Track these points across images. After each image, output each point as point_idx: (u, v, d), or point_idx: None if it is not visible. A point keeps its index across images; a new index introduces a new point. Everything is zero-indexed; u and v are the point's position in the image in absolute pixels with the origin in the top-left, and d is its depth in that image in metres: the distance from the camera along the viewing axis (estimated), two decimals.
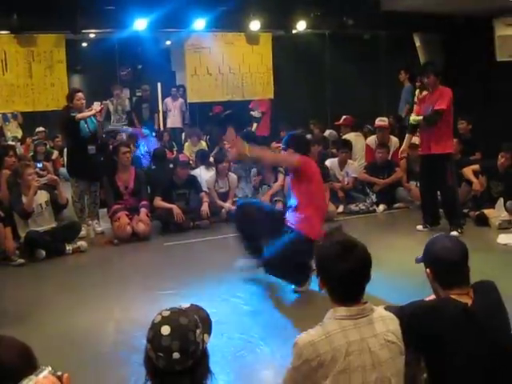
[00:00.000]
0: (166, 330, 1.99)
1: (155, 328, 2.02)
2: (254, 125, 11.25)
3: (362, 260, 2.43)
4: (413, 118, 7.53)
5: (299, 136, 6.20)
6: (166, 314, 2.06)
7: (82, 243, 7.40)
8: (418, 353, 2.73)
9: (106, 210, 8.24)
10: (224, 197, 8.75)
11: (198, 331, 2.03)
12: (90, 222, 8.17)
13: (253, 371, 4.19)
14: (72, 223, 7.73)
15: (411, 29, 11.40)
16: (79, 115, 7.78)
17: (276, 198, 8.56)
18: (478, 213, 7.88)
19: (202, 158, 9.50)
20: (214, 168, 8.94)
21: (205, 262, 6.99)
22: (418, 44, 11.63)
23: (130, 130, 10.93)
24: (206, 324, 2.12)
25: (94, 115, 7.89)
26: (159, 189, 8.36)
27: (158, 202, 8.21)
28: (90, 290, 5.90)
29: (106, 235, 8.08)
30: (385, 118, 10.16)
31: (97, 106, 7.95)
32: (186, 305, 2.15)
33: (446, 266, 2.76)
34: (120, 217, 7.75)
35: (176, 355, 1.97)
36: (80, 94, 7.95)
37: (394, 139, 9.98)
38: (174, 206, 8.11)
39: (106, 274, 6.57)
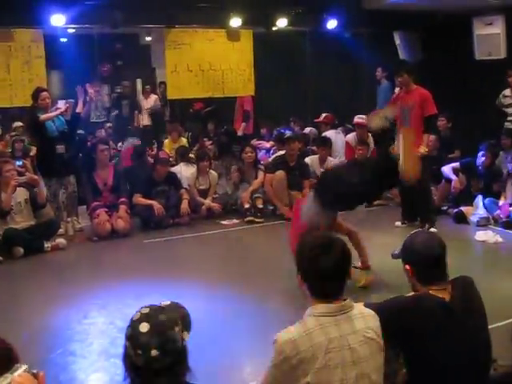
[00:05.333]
0: (144, 327, 1.99)
1: (134, 325, 2.01)
2: (243, 124, 11.26)
3: (341, 257, 2.45)
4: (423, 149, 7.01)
5: None
6: (145, 311, 2.05)
7: (60, 240, 7.32)
8: (397, 349, 2.74)
9: (85, 207, 8.18)
10: (204, 194, 8.72)
11: (177, 328, 2.02)
12: (69, 219, 8.07)
13: (233, 368, 4.18)
14: (50, 220, 7.65)
15: (391, 27, 11.43)
16: (43, 116, 7.55)
17: (256, 195, 8.59)
18: (456, 210, 7.94)
19: (182, 155, 9.45)
20: (194, 165, 8.90)
21: (184, 259, 6.98)
22: (397, 42, 11.67)
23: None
24: (186, 321, 2.11)
25: (62, 114, 7.69)
26: (139, 186, 8.32)
27: (138, 198, 8.17)
28: (67, 288, 5.85)
29: (85, 232, 8.00)
30: (364, 116, 10.18)
31: (62, 104, 7.76)
32: (165, 302, 2.14)
33: (425, 262, 2.78)
34: (99, 214, 7.69)
35: (154, 352, 1.96)
36: (45, 94, 7.71)
37: None
38: (153, 202, 8.07)
39: (84, 272, 6.53)
